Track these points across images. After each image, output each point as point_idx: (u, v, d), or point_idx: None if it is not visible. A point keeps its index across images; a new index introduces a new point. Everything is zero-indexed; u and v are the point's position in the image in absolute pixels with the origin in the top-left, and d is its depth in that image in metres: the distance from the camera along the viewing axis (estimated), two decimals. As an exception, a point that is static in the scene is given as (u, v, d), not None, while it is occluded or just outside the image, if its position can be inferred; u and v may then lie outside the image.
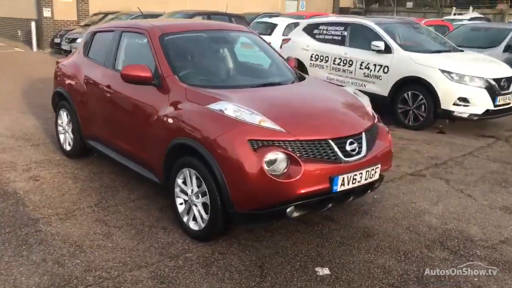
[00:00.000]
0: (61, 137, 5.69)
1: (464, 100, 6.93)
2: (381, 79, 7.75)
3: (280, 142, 3.35)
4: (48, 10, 18.56)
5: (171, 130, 3.80)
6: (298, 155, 3.35)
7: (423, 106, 7.21)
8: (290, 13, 19.05)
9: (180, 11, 14.42)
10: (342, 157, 3.49)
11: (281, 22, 12.44)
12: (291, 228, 4.00)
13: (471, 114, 6.99)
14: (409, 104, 7.37)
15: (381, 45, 7.70)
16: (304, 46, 9.17)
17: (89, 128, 5.08)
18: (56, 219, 4.05)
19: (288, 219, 3.49)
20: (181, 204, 3.85)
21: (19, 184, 4.79)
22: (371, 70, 7.90)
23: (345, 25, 8.67)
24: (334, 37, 8.72)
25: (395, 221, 4.20)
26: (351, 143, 3.56)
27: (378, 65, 7.78)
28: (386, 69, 7.67)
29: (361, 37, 8.25)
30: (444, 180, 5.24)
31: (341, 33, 8.62)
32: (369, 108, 4.12)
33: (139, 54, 4.42)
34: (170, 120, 3.80)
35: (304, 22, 9.73)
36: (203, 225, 3.65)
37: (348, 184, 3.51)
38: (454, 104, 6.96)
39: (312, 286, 3.20)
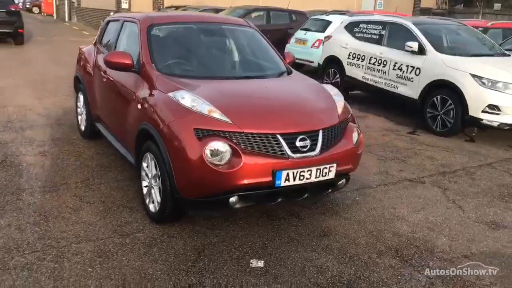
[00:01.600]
0: (79, 118, 6.12)
1: (495, 107, 6.46)
2: (412, 81, 7.43)
3: (225, 133, 3.41)
4: (126, 2, 19.77)
5: (140, 115, 3.99)
6: (242, 147, 3.39)
7: (451, 111, 6.82)
8: (358, 11, 18.59)
9: (240, 6, 14.64)
10: (289, 152, 3.47)
11: (336, 20, 12.22)
12: (251, 220, 4.03)
13: (501, 123, 6.49)
14: (438, 109, 7.01)
15: (414, 46, 7.38)
16: (343, 44, 9.01)
17: (95, 110, 5.43)
18: (41, 191, 4.41)
19: (232, 208, 3.52)
20: (145, 186, 4.03)
21: (27, 157, 5.24)
22: (403, 72, 7.60)
23: (384, 24, 8.39)
24: (373, 36, 8.48)
25: (362, 224, 4.08)
26: (302, 140, 3.53)
27: (411, 66, 7.46)
28: (418, 71, 7.34)
29: (398, 37, 7.95)
30: (441, 189, 4.96)
31: (379, 32, 8.36)
32: (339, 107, 4.01)
33: (133, 43, 4.64)
34: (139, 106, 3.99)
35: (346, 20, 9.54)
36: (157, 208, 3.81)
37: (294, 180, 3.49)
38: (483, 111, 6.50)
39: (238, 275, 3.24)
